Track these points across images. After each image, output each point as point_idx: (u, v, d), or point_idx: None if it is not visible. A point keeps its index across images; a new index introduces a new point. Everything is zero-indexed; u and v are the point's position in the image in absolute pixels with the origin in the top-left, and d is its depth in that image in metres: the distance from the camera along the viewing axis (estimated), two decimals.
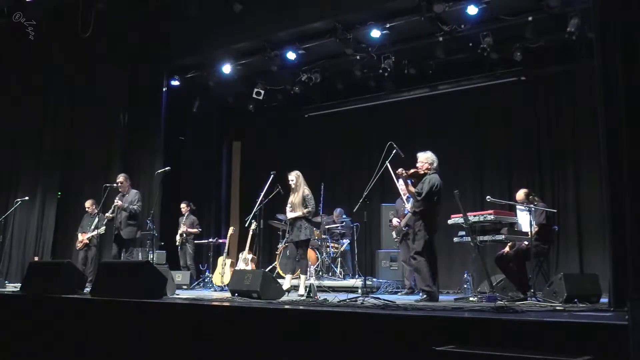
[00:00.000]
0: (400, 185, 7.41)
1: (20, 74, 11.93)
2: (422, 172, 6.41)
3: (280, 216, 9.42)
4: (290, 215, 7.48)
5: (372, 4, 8.72)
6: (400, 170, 6.44)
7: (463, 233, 6.56)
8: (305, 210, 7.36)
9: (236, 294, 6.17)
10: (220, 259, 9.44)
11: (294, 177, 7.52)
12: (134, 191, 8.74)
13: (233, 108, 12.27)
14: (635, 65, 4.36)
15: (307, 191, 7.46)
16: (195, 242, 10.41)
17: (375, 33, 8.92)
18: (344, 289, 8.49)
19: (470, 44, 9.01)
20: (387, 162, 6.40)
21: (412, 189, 6.53)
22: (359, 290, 7.14)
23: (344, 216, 10.35)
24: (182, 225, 10.37)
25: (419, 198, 6.27)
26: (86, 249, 9.47)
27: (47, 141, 11.48)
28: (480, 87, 9.94)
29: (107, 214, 8.71)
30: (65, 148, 11.25)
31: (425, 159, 6.47)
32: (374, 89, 10.81)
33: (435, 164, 6.44)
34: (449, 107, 10.34)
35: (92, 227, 9.30)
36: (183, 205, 10.54)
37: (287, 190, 7.75)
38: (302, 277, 7.41)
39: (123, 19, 10.74)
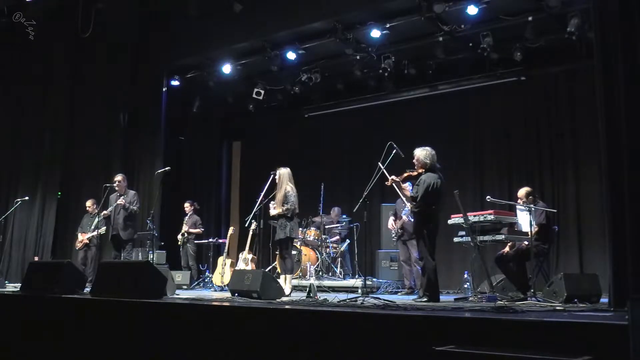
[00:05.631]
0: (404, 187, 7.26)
1: (20, 74, 11.93)
2: (416, 173, 6.16)
3: None
4: (271, 212, 7.35)
5: (372, 4, 8.71)
6: (391, 179, 6.27)
7: (463, 233, 6.54)
8: (283, 208, 7.17)
9: (236, 294, 6.16)
10: (220, 259, 9.42)
11: (278, 173, 7.38)
12: (132, 192, 8.75)
13: (233, 108, 12.26)
14: (635, 65, 4.36)
15: (289, 188, 7.25)
16: (196, 242, 10.40)
17: (375, 33, 8.91)
18: (344, 289, 8.49)
19: (470, 44, 9.01)
20: (387, 162, 6.37)
21: (407, 192, 6.45)
22: (359, 290, 7.12)
23: (344, 216, 10.35)
24: (184, 224, 10.37)
25: (414, 203, 6.15)
26: (86, 248, 9.47)
27: (47, 141, 11.49)
28: (480, 87, 9.91)
29: (103, 212, 8.69)
30: (65, 148, 11.26)
31: (417, 157, 6.19)
32: (374, 89, 10.79)
33: (429, 161, 6.12)
34: (449, 107, 10.33)
35: (92, 227, 9.30)
36: (187, 205, 10.48)
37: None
38: (288, 277, 7.23)
39: (123, 18, 10.73)
